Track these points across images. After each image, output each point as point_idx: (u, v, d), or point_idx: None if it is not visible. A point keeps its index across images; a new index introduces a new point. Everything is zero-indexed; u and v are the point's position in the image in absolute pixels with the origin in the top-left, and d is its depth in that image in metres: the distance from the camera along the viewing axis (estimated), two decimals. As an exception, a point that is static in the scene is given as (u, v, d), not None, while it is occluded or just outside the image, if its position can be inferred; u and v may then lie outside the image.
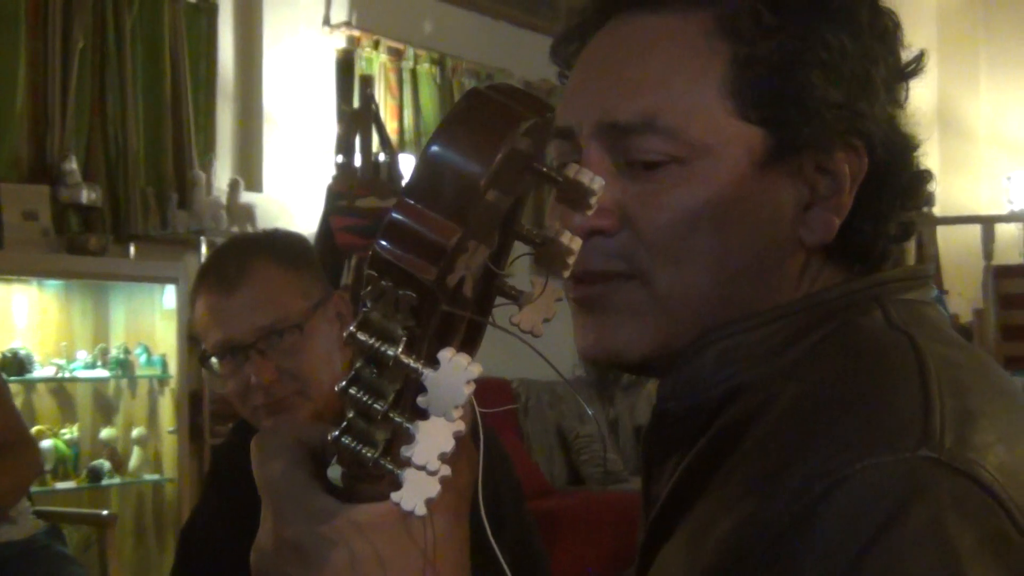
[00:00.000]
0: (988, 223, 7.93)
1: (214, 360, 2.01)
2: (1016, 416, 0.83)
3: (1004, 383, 0.88)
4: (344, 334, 0.62)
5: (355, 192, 5.63)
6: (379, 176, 6.00)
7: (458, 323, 0.67)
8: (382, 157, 6.09)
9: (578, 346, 0.99)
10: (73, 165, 4.93)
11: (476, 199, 0.60)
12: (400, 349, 0.62)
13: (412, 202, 0.61)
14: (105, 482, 4.87)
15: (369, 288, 0.61)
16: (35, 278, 4.86)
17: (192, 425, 5.02)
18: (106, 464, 4.88)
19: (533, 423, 6.60)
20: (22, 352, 4.69)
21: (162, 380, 5.04)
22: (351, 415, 0.66)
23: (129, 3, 5.25)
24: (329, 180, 5.79)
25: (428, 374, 0.62)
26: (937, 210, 9.44)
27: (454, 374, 0.61)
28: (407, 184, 0.61)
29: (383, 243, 0.60)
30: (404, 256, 0.60)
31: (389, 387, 0.64)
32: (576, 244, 0.69)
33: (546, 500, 5.88)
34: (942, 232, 8.94)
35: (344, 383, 0.64)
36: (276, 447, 0.74)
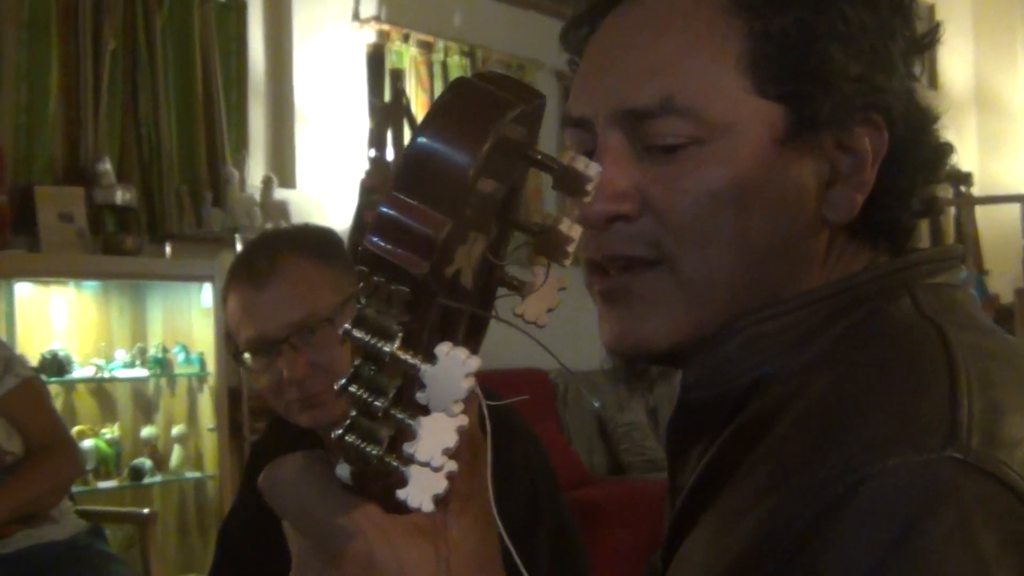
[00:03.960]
0: (1028, 202, 7.85)
1: (247, 356, 2.02)
2: None
3: None
4: (340, 331, 0.61)
5: (388, 186, 5.62)
6: (412, 170, 5.99)
7: (459, 316, 0.66)
8: (414, 150, 6.08)
9: (603, 339, 0.97)
10: (107, 166, 4.95)
11: (466, 190, 0.59)
12: (396, 345, 0.61)
13: (401, 196, 0.60)
14: (147, 480, 4.90)
15: (362, 284, 0.61)
16: (72, 279, 4.88)
17: (231, 422, 5.03)
18: (147, 462, 4.91)
19: (572, 413, 6.59)
20: (61, 353, 4.72)
21: (201, 378, 5.06)
22: (354, 413, 0.65)
23: (159, 4, 5.27)
24: (362, 175, 5.80)
25: (426, 369, 0.61)
26: (976, 190, 9.38)
27: (452, 368, 0.60)
28: (396, 178, 0.60)
29: (374, 238, 0.60)
30: (394, 251, 0.59)
31: (389, 383, 0.63)
32: (576, 231, 0.68)
33: (587, 490, 5.88)
34: (981, 212, 8.86)
35: (344, 381, 0.63)
36: (282, 467, 0.72)
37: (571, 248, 0.69)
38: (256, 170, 5.75)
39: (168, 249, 5.15)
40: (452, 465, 0.63)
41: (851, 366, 0.85)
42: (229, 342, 4.62)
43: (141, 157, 5.22)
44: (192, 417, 5.11)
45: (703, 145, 0.90)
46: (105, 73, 5.06)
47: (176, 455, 5.03)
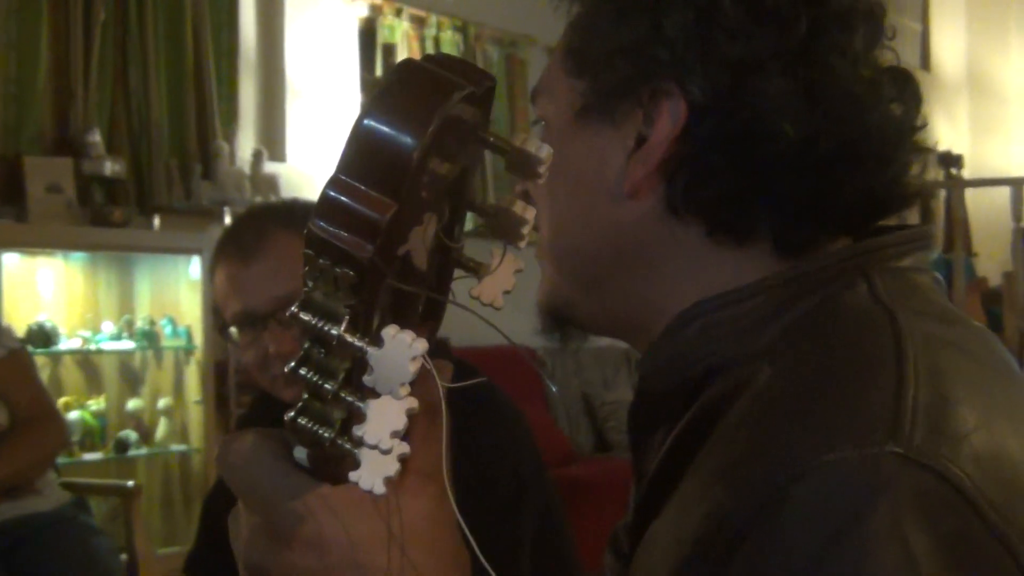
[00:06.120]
0: (1018, 185, 7.81)
1: (233, 330, 2.02)
2: (1003, 397, 0.80)
3: (995, 359, 0.85)
4: (287, 314, 0.61)
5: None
6: (402, 145, 5.98)
7: (414, 298, 0.66)
8: (405, 126, 6.06)
9: None
10: (96, 137, 4.94)
11: (410, 172, 0.59)
12: (343, 327, 0.61)
13: (345, 178, 0.60)
14: (132, 453, 4.91)
15: (307, 268, 0.61)
16: (60, 251, 4.88)
17: (218, 395, 5.04)
18: (133, 435, 4.91)
19: (558, 391, 6.60)
20: (48, 325, 4.72)
21: (187, 351, 5.06)
22: (305, 396, 0.65)
23: (150, -25, 5.25)
24: (352, 150, 5.78)
25: (372, 352, 0.61)
26: (966, 172, 9.38)
27: (398, 351, 0.60)
28: (340, 160, 0.60)
29: (319, 222, 0.60)
30: (338, 234, 0.59)
31: (339, 366, 0.63)
32: (530, 213, 0.68)
33: (573, 467, 5.90)
34: (971, 194, 8.84)
35: (293, 364, 0.63)
36: (236, 444, 0.72)
37: (525, 230, 0.68)
38: (246, 143, 5.74)
39: (157, 221, 5.14)
40: (403, 447, 0.63)
41: (797, 356, 0.84)
42: (216, 316, 4.64)
43: (131, 129, 5.21)
44: (178, 390, 5.11)
45: (544, 124, 1.00)
46: (95, 44, 5.04)
47: (162, 428, 5.04)
